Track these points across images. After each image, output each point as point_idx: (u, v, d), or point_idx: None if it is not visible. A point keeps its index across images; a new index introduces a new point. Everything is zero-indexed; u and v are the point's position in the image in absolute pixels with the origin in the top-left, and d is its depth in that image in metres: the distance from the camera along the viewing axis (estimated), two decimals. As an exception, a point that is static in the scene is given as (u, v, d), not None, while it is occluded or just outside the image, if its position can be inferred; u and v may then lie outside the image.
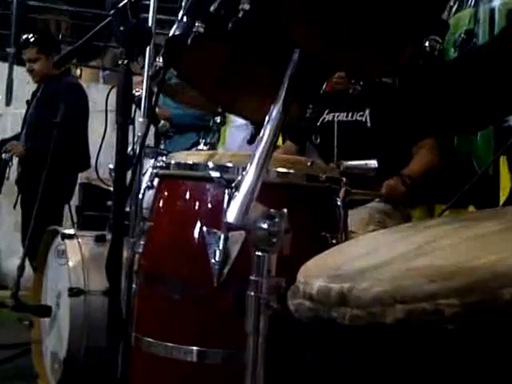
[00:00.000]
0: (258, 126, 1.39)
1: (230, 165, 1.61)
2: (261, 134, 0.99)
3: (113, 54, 7.89)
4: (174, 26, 1.21)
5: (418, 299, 0.84)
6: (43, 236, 2.99)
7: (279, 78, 1.10)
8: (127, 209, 2.91)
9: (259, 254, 0.98)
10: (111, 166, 3.01)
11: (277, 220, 0.97)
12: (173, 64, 1.31)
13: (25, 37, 4.45)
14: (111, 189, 3.64)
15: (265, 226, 0.96)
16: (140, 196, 1.80)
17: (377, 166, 2.18)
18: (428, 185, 2.87)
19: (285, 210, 0.95)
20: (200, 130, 3.77)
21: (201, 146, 2.89)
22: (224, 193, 1.53)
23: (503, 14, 2.79)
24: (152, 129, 2.90)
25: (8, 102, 5.91)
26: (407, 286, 0.86)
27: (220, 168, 1.60)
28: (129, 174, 2.83)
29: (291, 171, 1.63)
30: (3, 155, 4.09)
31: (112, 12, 1.76)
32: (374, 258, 1.05)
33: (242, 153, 1.69)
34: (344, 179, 1.66)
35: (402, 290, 0.86)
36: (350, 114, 2.89)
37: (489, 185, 2.60)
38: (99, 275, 2.65)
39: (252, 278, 0.99)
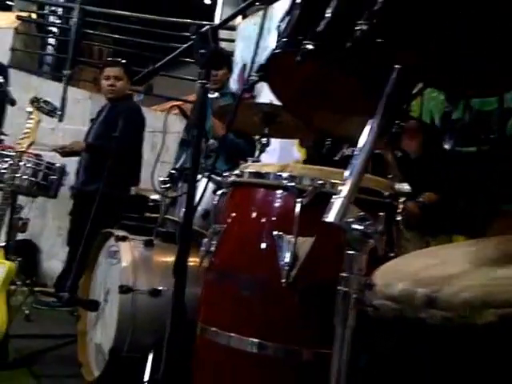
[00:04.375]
0: (335, 139, 1.38)
1: (302, 176, 1.62)
2: (360, 145, 0.99)
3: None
4: (275, 45, 1.21)
5: (509, 304, 0.83)
6: (96, 239, 2.99)
7: (365, 93, 1.10)
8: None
9: (352, 252, 0.97)
10: (160, 179, 3.02)
11: (370, 223, 0.96)
12: (266, 79, 1.31)
13: (111, 59, 4.57)
14: (154, 198, 3.66)
15: (360, 227, 0.96)
16: (215, 202, 1.79)
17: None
18: (448, 216, 2.85)
19: (382, 214, 0.94)
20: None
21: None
22: (295, 201, 1.53)
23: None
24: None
25: (61, 118, 5.95)
26: (497, 292, 0.86)
27: (293, 178, 1.61)
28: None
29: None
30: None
31: (194, 36, 1.78)
32: (451, 267, 1.04)
33: (313, 166, 1.69)
34: (403, 198, 1.64)
35: (493, 295, 0.86)
36: None
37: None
38: (147, 276, 2.65)
39: (343, 274, 0.98)
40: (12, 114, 4.74)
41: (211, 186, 2.50)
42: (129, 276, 2.61)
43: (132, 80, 4.47)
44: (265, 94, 3.79)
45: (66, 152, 4.39)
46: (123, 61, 4.56)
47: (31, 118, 3.14)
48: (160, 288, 2.58)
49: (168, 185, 2.91)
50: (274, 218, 1.66)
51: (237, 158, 3.47)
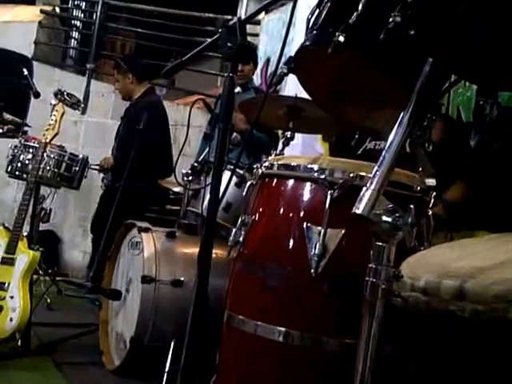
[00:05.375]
0: (364, 132, 1.38)
1: (333, 168, 1.62)
2: (390, 138, 0.99)
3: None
4: (304, 38, 1.21)
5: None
6: (120, 229, 3.01)
7: (395, 87, 1.10)
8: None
9: (380, 244, 0.97)
10: (184, 171, 3.04)
11: (399, 215, 0.96)
12: (295, 71, 1.31)
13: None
14: (176, 190, 3.67)
15: (389, 219, 0.96)
16: (244, 193, 1.81)
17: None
18: (470, 211, 2.82)
19: (411, 206, 0.94)
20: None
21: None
22: (326, 193, 1.54)
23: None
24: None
25: (83, 111, 5.99)
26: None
27: (324, 171, 1.62)
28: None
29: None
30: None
31: (221, 29, 1.77)
32: (480, 260, 1.04)
33: (345, 159, 1.70)
34: (433, 192, 1.65)
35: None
36: None
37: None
38: (169, 267, 2.67)
39: (372, 265, 0.98)
40: (35, 107, 4.78)
41: (234, 178, 2.51)
42: (151, 266, 2.63)
43: (134, 72, 4.48)
44: (289, 88, 3.78)
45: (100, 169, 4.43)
46: (118, 59, 4.62)
47: (56, 110, 3.17)
48: (182, 279, 2.60)
49: (190, 177, 2.92)
50: (303, 210, 1.67)
51: (258, 151, 3.47)
